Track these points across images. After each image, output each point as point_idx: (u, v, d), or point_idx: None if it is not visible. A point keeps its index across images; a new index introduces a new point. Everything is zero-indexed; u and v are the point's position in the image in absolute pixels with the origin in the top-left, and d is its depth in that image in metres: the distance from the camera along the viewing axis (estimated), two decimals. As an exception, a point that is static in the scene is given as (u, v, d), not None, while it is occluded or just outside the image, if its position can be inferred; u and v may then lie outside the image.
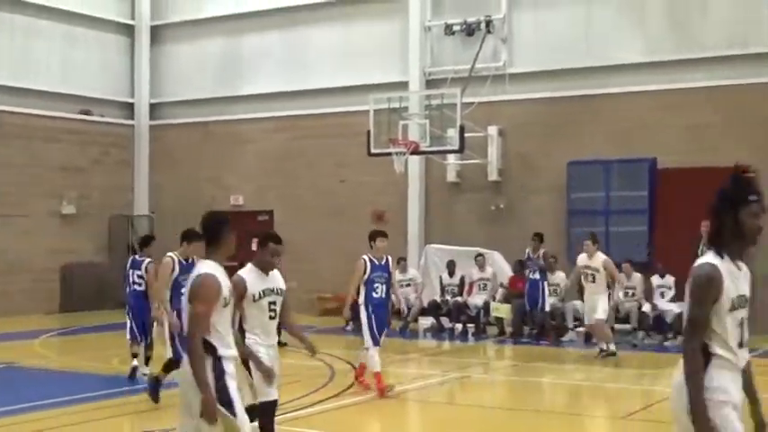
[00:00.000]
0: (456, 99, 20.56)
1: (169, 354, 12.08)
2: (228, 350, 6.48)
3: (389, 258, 13.20)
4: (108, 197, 26.84)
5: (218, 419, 6.23)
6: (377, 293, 12.82)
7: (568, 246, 20.59)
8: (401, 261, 21.84)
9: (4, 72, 24.76)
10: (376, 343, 12.77)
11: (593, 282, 16.51)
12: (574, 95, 21.96)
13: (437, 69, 23.48)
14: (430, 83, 23.49)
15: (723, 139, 20.18)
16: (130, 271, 14.39)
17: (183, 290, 10.70)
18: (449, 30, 23.23)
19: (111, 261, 26.73)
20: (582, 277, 16.81)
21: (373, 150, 21.01)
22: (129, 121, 27.79)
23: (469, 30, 22.91)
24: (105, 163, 27.05)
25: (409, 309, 21.00)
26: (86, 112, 26.58)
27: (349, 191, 24.41)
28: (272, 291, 8.22)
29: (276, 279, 8.42)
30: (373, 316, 12.80)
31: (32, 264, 24.70)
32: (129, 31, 27.85)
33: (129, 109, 27.91)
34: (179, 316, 11.05)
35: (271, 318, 8.22)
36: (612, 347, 16.43)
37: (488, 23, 22.68)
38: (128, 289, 14.39)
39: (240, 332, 7.88)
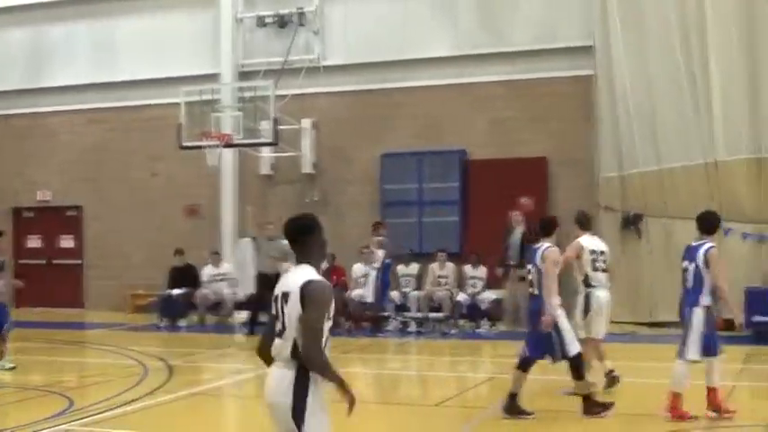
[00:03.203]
0: (269, 91, 20.52)
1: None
2: None
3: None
4: None
5: None
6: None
7: (383, 237, 20.83)
8: (215, 254, 21.70)
9: None
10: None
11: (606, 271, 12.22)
12: (386, 88, 22.20)
13: (250, 62, 23.28)
14: (243, 75, 23.27)
15: (527, 131, 20.92)
16: None
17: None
18: (261, 22, 23.10)
19: None
20: (589, 266, 11.97)
21: (185, 143, 20.73)
22: (-73, 114, 26.41)
23: (282, 22, 22.85)
24: None
25: (219, 303, 20.98)
26: None
27: (161, 184, 23.96)
28: None
29: None
30: None
31: None
32: (-76, 19, 26.48)
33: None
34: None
35: None
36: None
37: (301, 16, 22.68)
38: None
39: None
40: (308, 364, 5.39)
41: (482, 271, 19.51)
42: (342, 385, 5.45)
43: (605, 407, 10.44)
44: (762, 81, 18.44)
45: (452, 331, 18.93)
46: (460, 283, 19.69)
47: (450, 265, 19.76)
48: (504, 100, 21.23)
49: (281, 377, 5.44)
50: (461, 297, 19.40)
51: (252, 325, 19.21)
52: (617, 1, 19.76)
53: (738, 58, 18.60)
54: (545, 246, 10.70)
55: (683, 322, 10.17)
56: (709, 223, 10.32)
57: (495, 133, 21.22)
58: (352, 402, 5.51)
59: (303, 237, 5.59)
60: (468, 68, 21.51)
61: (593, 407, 10.44)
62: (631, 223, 19.27)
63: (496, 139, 21.16)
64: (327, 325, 5.47)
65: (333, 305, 5.49)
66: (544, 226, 10.93)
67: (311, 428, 5.41)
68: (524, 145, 20.86)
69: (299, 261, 5.58)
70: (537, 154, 20.80)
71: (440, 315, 19.43)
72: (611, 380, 11.76)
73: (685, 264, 10.19)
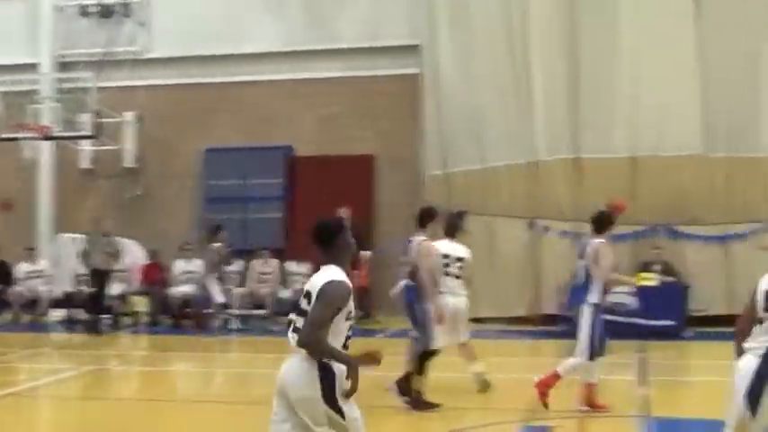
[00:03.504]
0: (90, 83, 20.09)
1: None
2: None
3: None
4: None
5: None
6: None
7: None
8: (30, 251, 20.92)
9: None
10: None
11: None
12: (212, 82, 21.95)
13: (70, 52, 22.61)
14: (63, 66, 22.58)
15: (355, 128, 21.01)
16: None
17: None
18: (83, 11, 22.48)
19: None
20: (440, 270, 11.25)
21: (0, 135, 19.95)
22: None
23: (106, 12, 22.32)
24: None
25: (34, 301, 20.36)
26: None
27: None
28: None
29: None
30: None
31: None
32: None
33: None
34: None
35: None
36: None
37: (126, 6, 22.22)
38: None
39: None
40: (306, 348, 5.48)
41: (306, 267, 19.41)
42: (348, 362, 5.47)
43: (433, 406, 10.54)
44: (581, 84, 18.96)
45: (275, 328, 18.77)
46: (284, 279, 19.60)
47: (273, 262, 19.67)
48: (331, 97, 21.26)
49: (303, 370, 5.53)
50: (285, 294, 19.30)
51: (94, 323, 18.59)
52: (444, 1, 20.04)
53: (559, 61, 19.09)
54: (419, 238, 10.70)
55: (574, 319, 10.37)
56: (598, 222, 10.48)
57: (323, 130, 21.24)
58: (373, 360, 5.63)
59: (330, 239, 5.74)
60: (296, 64, 21.48)
61: (422, 403, 10.55)
62: (455, 221, 19.51)
63: (324, 136, 21.18)
64: (347, 324, 5.58)
65: (351, 305, 5.57)
66: (420, 217, 10.85)
67: (349, 410, 5.56)
68: (351, 142, 20.94)
69: (326, 262, 5.72)
70: (364, 151, 20.91)
71: (263, 312, 19.29)
72: (482, 383, 11.53)
73: (578, 261, 10.39)
